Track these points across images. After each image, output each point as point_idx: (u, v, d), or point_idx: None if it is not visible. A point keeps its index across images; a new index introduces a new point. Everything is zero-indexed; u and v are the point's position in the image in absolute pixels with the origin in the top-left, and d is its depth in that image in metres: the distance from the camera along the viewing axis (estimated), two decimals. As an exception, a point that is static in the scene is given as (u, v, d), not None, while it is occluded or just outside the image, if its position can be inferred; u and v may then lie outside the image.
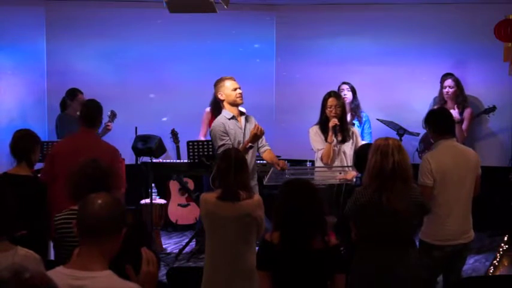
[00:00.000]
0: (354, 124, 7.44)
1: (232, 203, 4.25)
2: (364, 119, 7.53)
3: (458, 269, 4.97)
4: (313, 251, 3.43)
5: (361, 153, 4.89)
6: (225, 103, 5.83)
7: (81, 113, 5.51)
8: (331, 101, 6.01)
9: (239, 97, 5.80)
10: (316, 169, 6.06)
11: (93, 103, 5.51)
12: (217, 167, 4.43)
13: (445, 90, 7.68)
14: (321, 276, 3.46)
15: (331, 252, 3.46)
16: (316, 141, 6.06)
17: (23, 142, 4.92)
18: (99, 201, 2.60)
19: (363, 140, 7.40)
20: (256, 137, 5.63)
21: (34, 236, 4.56)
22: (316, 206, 3.47)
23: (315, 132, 6.08)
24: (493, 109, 7.87)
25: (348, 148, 6.08)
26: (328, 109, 6.00)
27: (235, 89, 5.79)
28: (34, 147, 4.95)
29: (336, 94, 6.18)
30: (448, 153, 4.89)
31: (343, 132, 6.05)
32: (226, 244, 4.26)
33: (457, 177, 4.83)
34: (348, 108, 7.58)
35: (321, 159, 6.00)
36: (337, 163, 6.06)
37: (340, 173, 5.95)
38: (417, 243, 4.36)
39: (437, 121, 5.04)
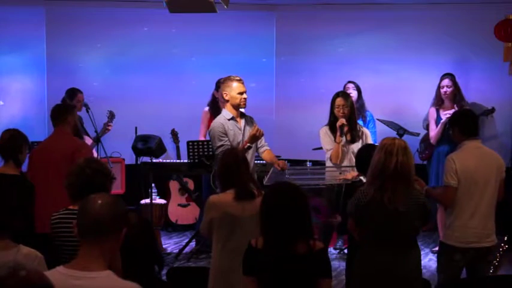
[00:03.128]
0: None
1: (250, 201, 4.24)
2: (368, 118, 7.52)
3: (483, 273, 4.90)
4: (297, 256, 3.37)
5: (361, 154, 4.88)
6: (227, 104, 5.76)
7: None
8: (339, 101, 6.04)
9: (243, 102, 5.74)
10: (320, 169, 6.06)
11: (54, 107, 5.68)
12: (225, 165, 4.42)
13: (442, 90, 7.67)
14: (306, 282, 3.40)
15: (316, 257, 3.38)
16: (325, 141, 6.09)
17: (11, 142, 4.98)
18: (99, 201, 2.59)
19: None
20: (255, 138, 5.62)
21: (20, 234, 4.56)
22: (300, 210, 3.40)
23: (324, 133, 6.11)
24: (491, 111, 7.86)
25: (358, 148, 6.06)
26: (336, 109, 6.03)
27: (241, 93, 5.70)
28: (22, 147, 4.99)
29: (344, 94, 6.19)
30: (473, 155, 4.83)
31: (352, 132, 6.04)
32: (243, 241, 4.21)
33: (481, 179, 4.78)
34: None
35: (330, 160, 6.00)
36: (346, 163, 6.07)
37: (340, 173, 5.94)
38: (419, 246, 4.33)
39: (464, 122, 4.97)
